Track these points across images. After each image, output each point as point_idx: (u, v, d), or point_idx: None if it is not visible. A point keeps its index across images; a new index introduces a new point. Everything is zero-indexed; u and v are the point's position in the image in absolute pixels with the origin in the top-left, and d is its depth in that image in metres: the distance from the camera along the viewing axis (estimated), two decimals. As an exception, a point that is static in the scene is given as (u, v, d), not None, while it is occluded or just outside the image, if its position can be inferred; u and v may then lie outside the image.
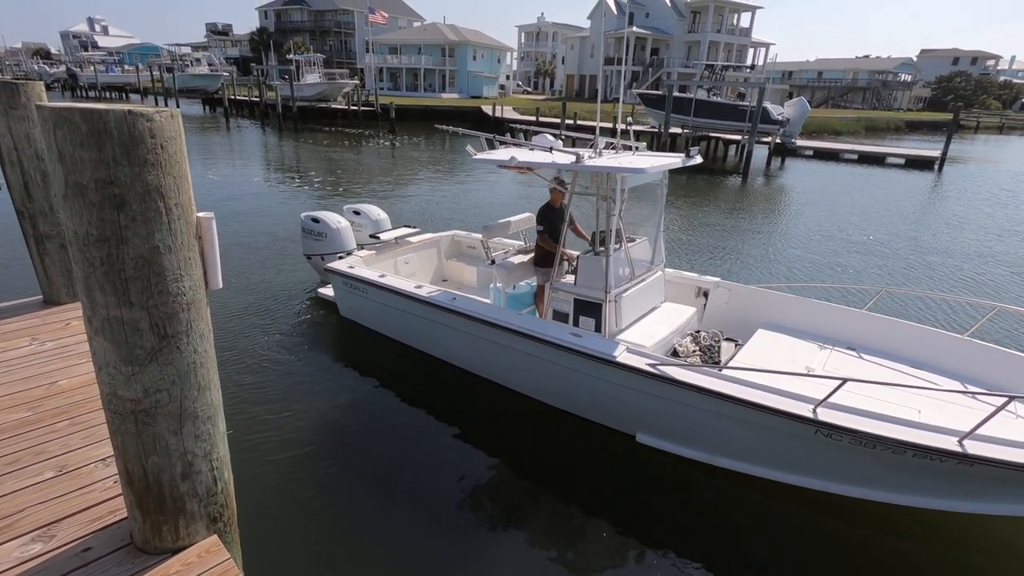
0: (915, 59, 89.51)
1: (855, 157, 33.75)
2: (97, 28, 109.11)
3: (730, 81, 42.27)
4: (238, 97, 52.20)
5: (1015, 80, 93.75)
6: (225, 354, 7.34)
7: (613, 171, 5.66)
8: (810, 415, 4.45)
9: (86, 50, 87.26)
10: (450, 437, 6.00)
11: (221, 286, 2.45)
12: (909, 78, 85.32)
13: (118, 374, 2.24)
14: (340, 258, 8.27)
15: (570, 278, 6.30)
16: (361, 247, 8.81)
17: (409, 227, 9.43)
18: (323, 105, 47.90)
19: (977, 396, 4.99)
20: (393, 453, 5.67)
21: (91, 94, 66.76)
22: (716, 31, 63.26)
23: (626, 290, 6.15)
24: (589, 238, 6.53)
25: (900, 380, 5.50)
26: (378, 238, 8.78)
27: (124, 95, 65.86)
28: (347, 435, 5.93)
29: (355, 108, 45.70)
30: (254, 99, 48.63)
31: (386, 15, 55.39)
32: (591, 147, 6.24)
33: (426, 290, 6.97)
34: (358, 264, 7.96)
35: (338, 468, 5.40)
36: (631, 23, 63.98)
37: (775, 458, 5.04)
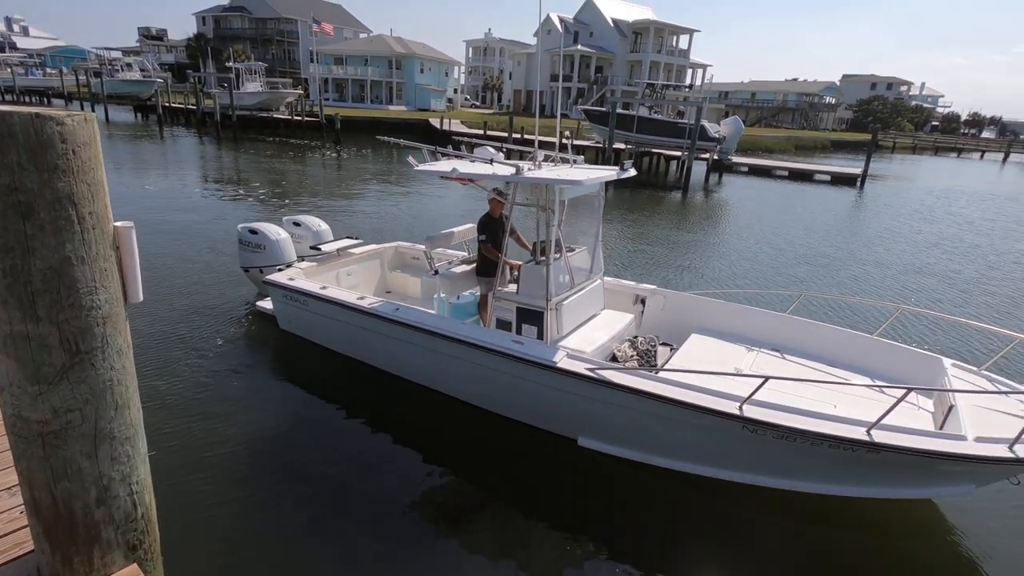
0: (838, 83, 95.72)
1: (786, 173, 35.60)
2: (16, 28, 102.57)
3: (670, 99, 43.94)
4: (173, 105, 50.08)
5: (925, 104, 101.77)
6: (153, 371, 6.98)
7: (551, 183, 5.83)
8: (737, 412, 4.69)
9: (2, 51, 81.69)
10: (393, 449, 5.91)
11: (141, 299, 2.33)
12: (833, 101, 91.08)
13: (23, 394, 2.09)
14: (279, 270, 8.06)
15: (513, 287, 6.39)
16: (301, 259, 8.60)
17: (352, 238, 9.28)
18: (265, 115, 46.60)
19: (883, 390, 5.45)
20: (333, 469, 5.52)
21: (7, 98, 62.50)
22: (657, 52, 65.74)
23: (566, 298, 6.26)
24: (531, 248, 6.63)
25: (818, 377, 5.85)
26: (319, 249, 8.60)
27: (46, 100, 61.93)
28: (285, 452, 5.72)
29: (299, 118, 44.71)
30: (191, 107, 46.79)
31: (332, 27, 54.62)
32: (531, 160, 6.37)
33: (368, 301, 6.89)
34: (298, 276, 7.79)
35: (274, 488, 5.19)
36: (576, 41, 65.65)
37: (707, 455, 5.26)
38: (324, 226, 9.33)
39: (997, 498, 5.39)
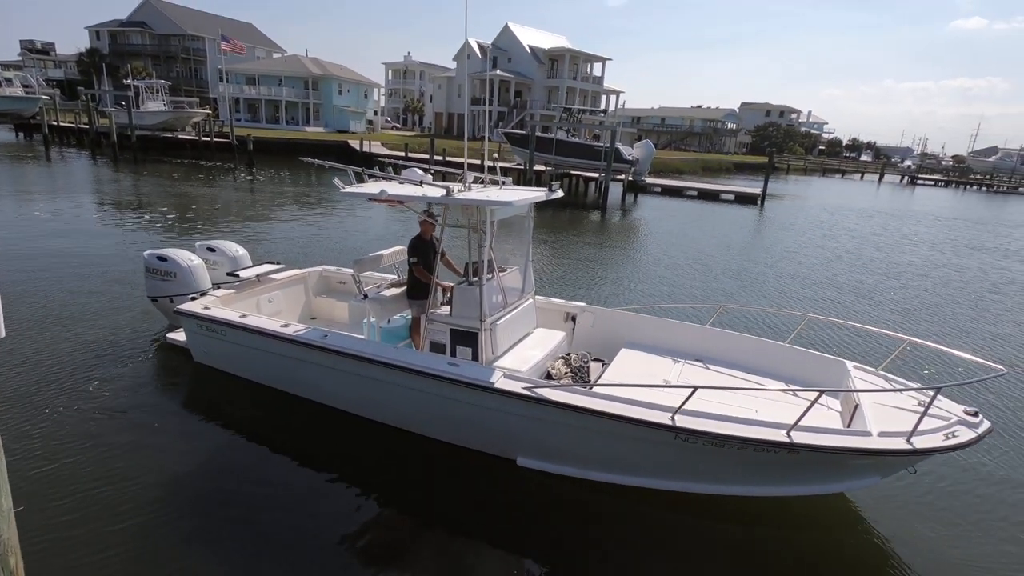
0: (737, 110, 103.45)
1: (695, 193, 37.90)
2: None
3: (586, 123, 45.82)
4: (62, 124, 46.34)
5: (812, 130, 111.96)
6: (38, 415, 6.40)
7: (482, 204, 5.89)
8: (669, 423, 4.87)
9: None
10: (322, 482, 5.71)
11: (3, 335, 2.17)
12: (734, 126, 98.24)
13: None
14: (192, 299, 7.62)
15: (445, 309, 6.34)
16: (217, 286, 8.16)
17: (272, 263, 8.89)
18: (169, 135, 44.09)
19: (796, 392, 5.88)
20: (257, 508, 5.25)
21: None
22: (572, 78, 68.41)
23: (500, 318, 6.27)
24: (460, 271, 6.65)
25: (738, 384, 6.25)
26: (237, 276, 8.19)
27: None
28: (201, 494, 5.39)
29: (207, 139, 42.58)
30: (83, 126, 43.45)
31: (242, 45, 52.72)
32: (460, 181, 6.43)
33: (293, 328, 6.65)
34: (214, 304, 7.40)
35: (191, 535, 4.88)
36: (495, 66, 67.10)
37: (642, 466, 5.42)
38: (241, 251, 8.90)
39: (897, 487, 5.95)
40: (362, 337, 6.66)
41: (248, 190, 27.53)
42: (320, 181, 33.36)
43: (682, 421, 4.87)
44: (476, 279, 6.08)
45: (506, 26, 69.18)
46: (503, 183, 6.86)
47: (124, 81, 49.01)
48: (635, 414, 4.99)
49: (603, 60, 71.50)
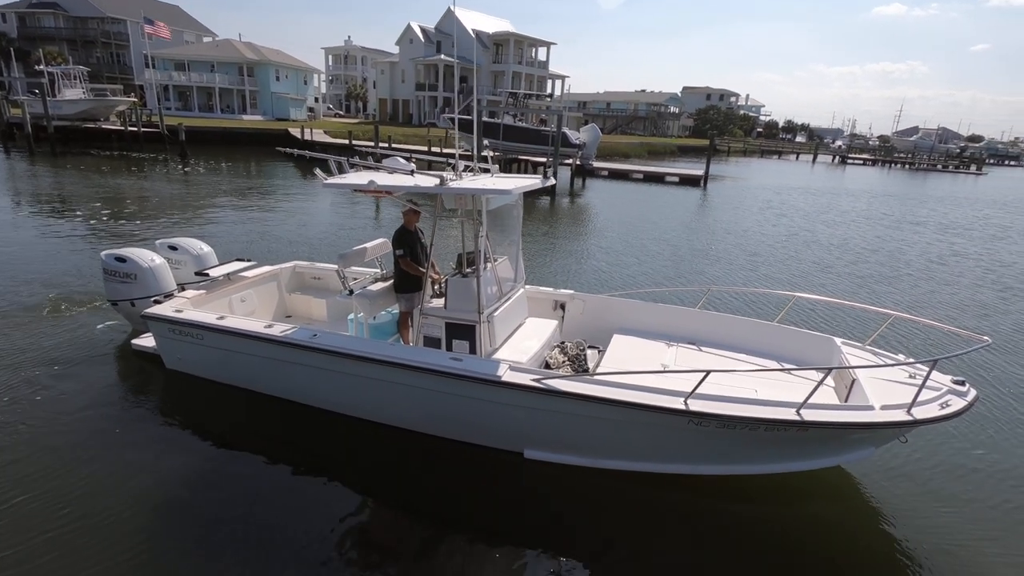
0: (680, 94, 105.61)
1: (641, 176, 38.57)
2: None
3: (533, 108, 45.81)
4: (-32, 114, 42.69)
5: (750, 113, 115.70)
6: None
7: (479, 193, 5.70)
8: (683, 407, 4.86)
9: None
10: (322, 486, 5.42)
11: None
12: (676, 110, 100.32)
13: None
14: (158, 301, 7.15)
15: (437, 302, 6.14)
16: (183, 287, 7.69)
17: (242, 260, 8.40)
18: (91, 125, 41.31)
19: (792, 372, 5.95)
20: (256, 519, 4.92)
21: None
22: (518, 63, 68.10)
23: (496, 309, 6.13)
24: (425, 270, 6.45)
25: (734, 365, 6.31)
26: (206, 275, 7.72)
27: None
28: (191, 509, 5.01)
29: (135, 129, 40.23)
30: (-7, 117, 40.19)
31: (168, 29, 49.82)
32: (451, 170, 6.15)
33: (279, 329, 6.26)
34: (186, 307, 6.96)
35: (182, 551, 4.56)
36: (439, 51, 66.03)
37: (654, 451, 5.41)
38: (206, 248, 8.39)
39: (888, 456, 6.13)
40: (353, 335, 6.39)
41: (185, 183, 26.15)
42: (261, 172, 32.11)
43: (695, 405, 4.87)
44: (470, 270, 5.90)
45: (449, 10, 67.99)
46: (492, 171, 6.70)
47: (37, 67, 45.50)
48: (647, 400, 4.96)
49: (548, 44, 71.45)
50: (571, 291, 7.77)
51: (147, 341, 7.55)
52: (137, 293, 7.53)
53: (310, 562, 4.51)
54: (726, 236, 19.74)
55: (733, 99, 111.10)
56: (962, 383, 5.24)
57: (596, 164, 37.92)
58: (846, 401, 5.45)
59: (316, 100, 71.99)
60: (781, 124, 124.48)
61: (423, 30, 67.10)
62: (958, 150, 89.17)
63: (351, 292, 6.71)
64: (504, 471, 5.69)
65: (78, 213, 17.64)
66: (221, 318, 6.65)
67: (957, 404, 4.89)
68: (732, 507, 5.38)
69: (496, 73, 68.36)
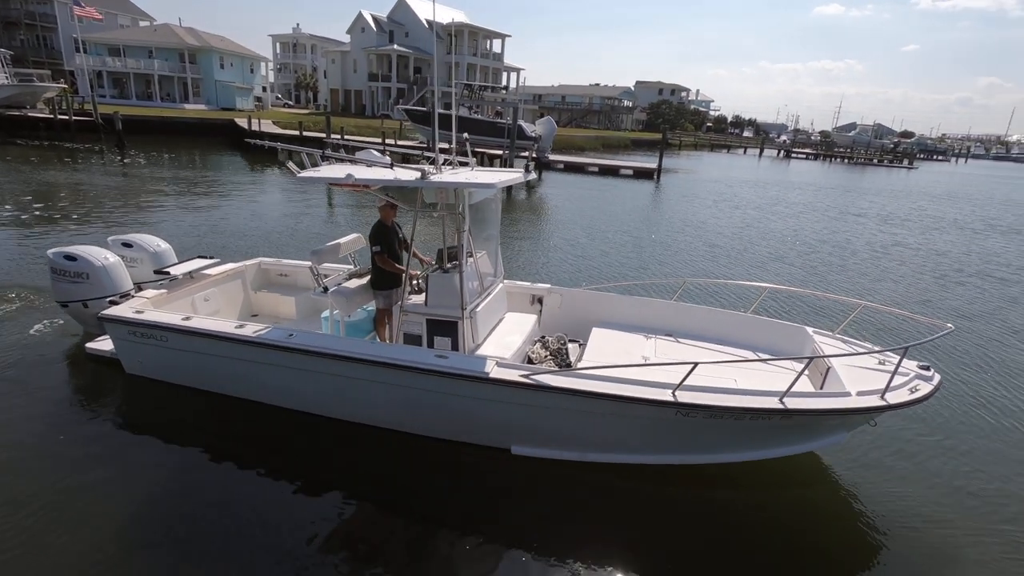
0: (633, 88, 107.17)
1: (597, 169, 38.95)
2: None
3: (488, 100, 45.49)
4: None
5: (701, 108, 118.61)
6: None
7: (462, 187, 5.57)
8: (672, 399, 4.92)
9: None
10: (304, 491, 5.23)
11: None
12: (630, 104, 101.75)
13: None
14: (114, 302, 6.69)
15: (417, 299, 5.99)
16: (140, 287, 7.26)
17: (204, 257, 8.02)
18: (16, 113, 38.56)
19: (771, 362, 6.06)
20: (236, 528, 4.69)
21: None
22: (473, 54, 67.52)
23: (478, 304, 6.07)
24: (429, 260, 6.32)
25: (712, 356, 6.37)
26: (167, 273, 7.29)
27: None
28: (166, 522, 4.73)
29: (65, 118, 37.77)
30: (-98, 103, 36.96)
31: (97, 11, 46.92)
32: (430, 163, 6.01)
33: (251, 329, 5.99)
34: (146, 307, 6.56)
35: (162, 568, 4.27)
36: (392, 41, 64.73)
37: (641, 443, 5.47)
38: (163, 245, 7.96)
39: (857, 439, 6.28)
40: (329, 334, 6.22)
41: (124, 175, 24.70)
42: (208, 163, 30.73)
43: (683, 396, 4.94)
44: (451, 265, 5.78)
45: (401, -1, 66.80)
46: (471, 164, 6.60)
47: (-48, 50, 42.08)
48: (637, 393, 4.99)
49: (503, 36, 71.10)
50: (548, 285, 7.75)
51: (103, 345, 7.11)
52: (90, 294, 7.07)
53: (294, 571, 4.32)
54: (685, 228, 20.15)
55: (684, 94, 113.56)
56: (927, 368, 5.47)
57: (552, 157, 38.06)
58: (821, 388, 5.60)
59: (264, 89, 69.38)
60: (729, 119, 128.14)
61: (375, 19, 65.64)
62: (892, 145, 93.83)
63: (325, 289, 6.50)
64: (491, 468, 5.62)
65: (7, 207, 16.37)
66: (187, 318, 6.33)
67: (924, 388, 5.13)
68: (713, 495, 5.50)
69: (450, 64, 67.57)
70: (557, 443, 5.61)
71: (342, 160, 6.43)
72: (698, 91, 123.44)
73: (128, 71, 56.09)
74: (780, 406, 4.88)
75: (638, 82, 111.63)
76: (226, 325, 6.21)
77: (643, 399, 4.98)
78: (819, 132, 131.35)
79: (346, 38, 68.48)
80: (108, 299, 6.88)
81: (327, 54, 72.17)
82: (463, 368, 5.36)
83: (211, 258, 8.04)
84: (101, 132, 36.15)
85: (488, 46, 71.28)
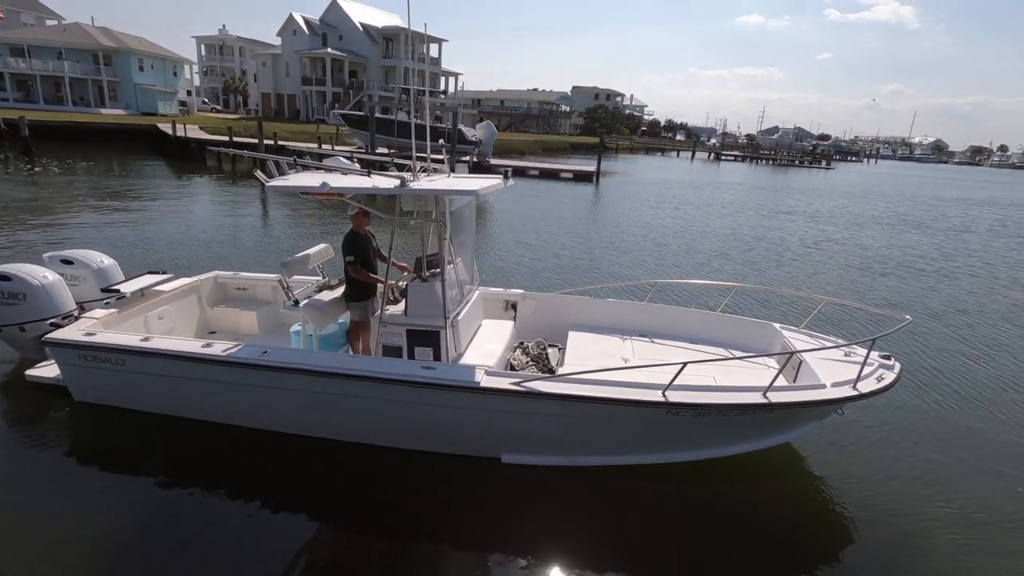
0: (570, 93, 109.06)
1: (537, 173, 39.29)
2: None
3: (427, 105, 45.14)
4: None
5: (635, 113, 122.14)
6: None
7: (445, 194, 5.43)
8: (663, 399, 4.96)
9: None
10: (282, 518, 4.93)
11: None
12: (567, 108, 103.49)
13: None
14: (56, 325, 6.11)
15: (394, 309, 5.79)
16: (83, 306, 6.68)
17: (156, 272, 7.47)
18: (-97, 118, 34.93)
19: (749, 359, 6.10)
20: (212, 564, 4.36)
21: None
22: (410, 58, 66.71)
23: (459, 312, 5.97)
24: (407, 267, 6.18)
25: (687, 355, 6.43)
26: (116, 291, 6.72)
27: None
28: (142, 563, 4.32)
29: (-38, 123, 34.50)
30: None
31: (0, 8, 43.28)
32: (409, 171, 5.86)
33: (220, 347, 5.64)
34: (97, 329, 6.03)
35: None
36: (325, 44, 63.07)
37: (631, 444, 5.49)
38: (108, 261, 7.33)
39: (828, 428, 6.51)
40: (304, 349, 5.99)
41: (33, 184, 22.71)
42: (129, 171, 28.82)
43: (673, 396, 4.99)
44: (430, 274, 5.69)
45: (334, 1, 65.24)
46: (449, 172, 6.48)
47: None
48: (629, 395, 5.02)
49: (440, 41, 70.64)
50: (522, 291, 7.71)
51: (47, 371, 6.54)
52: (27, 316, 6.39)
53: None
54: (631, 229, 20.56)
55: (619, 99, 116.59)
56: (888, 358, 5.74)
57: (493, 161, 38.07)
58: (795, 381, 5.77)
59: (189, 93, 65.97)
60: (663, 123, 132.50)
61: (307, 21, 63.77)
62: (811, 147, 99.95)
63: (296, 303, 6.21)
64: (482, 478, 5.52)
65: None
66: (146, 339, 5.87)
67: (889, 377, 5.41)
68: (698, 491, 5.61)
69: (387, 68, 66.57)
70: (547, 449, 5.57)
71: (319, 168, 6.18)
72: (632, 96, 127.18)
73: (34, 72, 51.92)
74: (764, 400, 5.00)
75: (574, 87, 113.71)
76: (192, 344, 5.84)
77: (637, 401, 5.01)
78: (745, 135, 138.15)
79: (277, 41, 66.14)
80: (49, 321, 6.26)
81: (257, 57, 69.40)
82: (453, 378, 5.25)
83: (163, 273, 7.52)
84: (5, 138, 33.26)
85: (425, 50, 70.65)
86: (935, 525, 5.28)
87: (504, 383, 5.20)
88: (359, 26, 64.55)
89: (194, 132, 39.01)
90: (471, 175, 6.56)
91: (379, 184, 5.46)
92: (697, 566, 4.71)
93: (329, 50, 61.78)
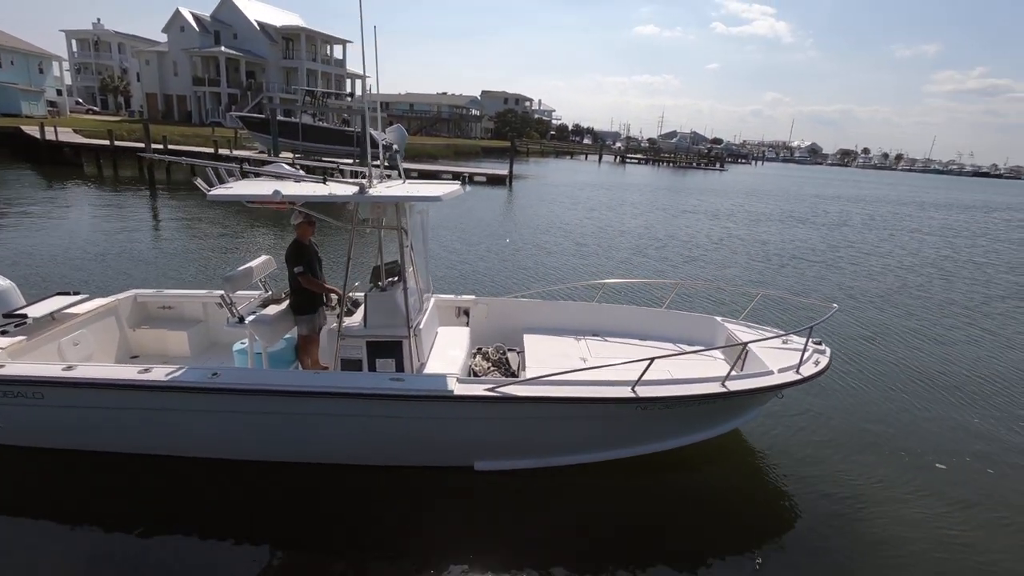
0: (479, 98, 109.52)
1: (451, 176, 38.81)
2: None
3: (333, 107, 43.45)
4: None
5: (544, 117, 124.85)
6: None
7: (406, 200, 5.29)
8: (633, 395, 5.10)
9: None
10: (248, 552, 4.57)
11: None
12: (478, 113, 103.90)
13: None
14: None
15: (349, 321, 5.58)
16: None
17: (66, 294, 6.64)
18: None
19: (703, 352, 6.34)
20: None
21: None
22: (312, 60, 64.08)
23: (419, 322, 5.83)
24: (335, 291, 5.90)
25: (639, 351, 6.56)
26: (23, 317, 5.89)
27: None
28: None
29: None
30: None
31: None
32: (364, 177, 5.62)
33: (161, 372, 5.12)
34: (4, 360, 5.35)
35: None
36: (218, 42, 59.18)
37: (601, 441, 5.58)
38: (4, 282, 6.39)
39: (769, 413, 6.87)
40: (257, 368, 5.75)
41: None
42: (-13, 179, 25.42)
43: (642, 391, 5.12)
44: (386, 283, 5.57)
45: (226, -4, 61.33)
46: (404, 178, 6.33)
47: None
48: (604, 394, 5.11)
49: (344, 42, 68.41)
50: (473, 296, 7.71)
51: None
52: None
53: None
54: (550, 230, 20.90)
55: (528, 103, 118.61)
56: (820, 343, 6.15)
57: (405, 165, 37.36)
58: (742, 370, 6.04)
59: (59, 93, 59.49)
60: (570, 127, 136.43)
61: (197, 18, 59.52)
62: (707, 150, 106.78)
63: (242, 319, 5.77)
64: (456, 488, 5.43)
65: None
66: (69, 367, 5.23)
67: (823, 361, 5.86)
68: (662, 480, 5.79)
69: (288, 70, 63.50)
70: (521, 453, 5.55)
71: (272, 175, 5.78)
72: (540, 101, 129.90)
73: None
74: (724, 389, 5.25)
75: (484, 92, 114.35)
76: (125, 371, 5.25)
77: (610, 398, 5.12)
78: (647, 139, 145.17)
79: (162, 37, 61.18)
80: None
81: (139, 54, 63.73)
82: (425, 388, 5.11)
83: (75, 294, 6.73)
84: None
85: (329, 51, 68.18)
86: (861, 493, 5.74)
87: (478, 390, 5.13)
88: (256, 24, 61.13)
89: (67, 136, 35.16)
90: (427, 181, 6.47)
91: (337, 191, 5.20)
92: (669, 552, 4.89)
93: (223, 49, 58.02)
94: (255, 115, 40.03)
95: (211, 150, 34.05)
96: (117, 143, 32.89)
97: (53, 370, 5.26)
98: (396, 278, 5.75)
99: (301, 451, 5.54)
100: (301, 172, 5.70)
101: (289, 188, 5.23)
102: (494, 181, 38.18)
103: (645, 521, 5.22)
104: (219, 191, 5.10)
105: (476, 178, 38.63)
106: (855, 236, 24.98)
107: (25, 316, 6.03)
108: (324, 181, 5.45)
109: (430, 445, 5.47)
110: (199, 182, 5.35)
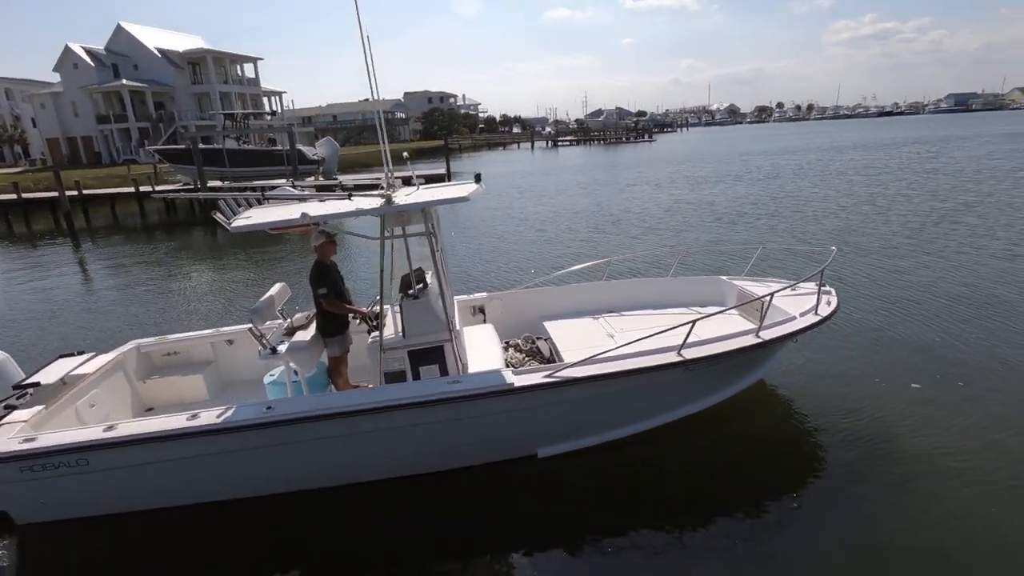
0: (403, 99, 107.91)
1: (392, 182, 38.33)
2: None
3: (255, 128, 41.84)
4: None
5: (471, 112, 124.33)
6: None
7: (433, 204, 5.29)
8: (680, 358, 5.25)
9: None
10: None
11: None
12: (404, 115, 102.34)
13: None
14: None
15: (378, 334, 5.51)
16: None
17: (70, 355, 6.37)
18: None
19: (728, 311, 6.39)
20: None
21: None
22: (223, 82, 61.40)
23: (456, 322, 5.85)
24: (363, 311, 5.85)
25: (659, 319, 6.65)
26: (35, 384, 5.64)
27: None
28: None
29: None
30: None
31: None
32: (382, 188, 5.61)
33: (214, 414, 4.97)
34: (38, 434, 5.02)
35: None
36: (117, 76, 55.78)
37: (652, 408, 5.75)
38: (1, 354, 6.00)
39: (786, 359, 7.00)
40: (309, 395, 5.60)
41: None
42: None
43: (688, 353, 5.30)
44: (414, 291, 5.61)
45: (119, 26, 57.84)
46: (418, 184, 6.27)
47: None
48: (651, 362, 5.25)
49: (254, 60, 65.83)
50: (485, 293, 7.76)
51: None
52: None
53: None
54: (508, 221, 20.93)
55: (452, 99, 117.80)
56: (824, 285, 6.36)
57: (340, 178, 36.46)
58: (764, 321, 6.13)
59: (-54, 150, 54.69)
60: (498, 118, 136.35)
61: (90, 52, 55.90)
62: (634, 124, 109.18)
63: (274, 350, 5.59)
64: (520, 478, 5.48)
65: None
66: (110, 428, 5.03)
67: (834, 301, 6.16)
68: (700, 441, 5.91)
69: (200, 95, 60.62)
70: (580, 433, 5.65)
71: (289, 199, 5.70)
72: (464, 96, 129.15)
73: None
74: (759, 340, 5.51)
75: (406, 93, 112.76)
76: (174, 421, 5.05)
77: (661, 365, 5.27)
78: (575, 120, 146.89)
79: (54, 77, 57.15)
80: None
81: (31, 98, 59.24)
82: (486, 386, 5.12)
83: (79, 353, 6.39)
84: None
85: (240, 71, 65.45)
86: (898, 426, 5.98)
87: (537, 378, 5.19)
88: (156, 52, 57.96)
89: (-35, 194, 32.33)
90: (437, 185, 6.38)
91: (363, 205, 5.16)
92: (731, 505, 4.99)
93: (124, 82, 54.73)
94: (173, 147, 38.00)
95: (131, 189, 32.15)
96: (25, 195, 30.59)
97: (94, 433, 5.01)
98: (422, 284, 5.72)
99: (364, 471, 5.48)
100: (305, 193, 5.69)
101: (315, 209, 5.14)
102: (433, 181, 37.34)
103: (699, 482, 5.37)
104: (241, 222, 4.96)
105: (415, 180, 37.99)
106: (791, 186, 26.12)
107: (37, 383, 5.72)
108: (350, 197, 5.39)
109: (493, 440, 5.51)
110: (218, 216, 5.20)
